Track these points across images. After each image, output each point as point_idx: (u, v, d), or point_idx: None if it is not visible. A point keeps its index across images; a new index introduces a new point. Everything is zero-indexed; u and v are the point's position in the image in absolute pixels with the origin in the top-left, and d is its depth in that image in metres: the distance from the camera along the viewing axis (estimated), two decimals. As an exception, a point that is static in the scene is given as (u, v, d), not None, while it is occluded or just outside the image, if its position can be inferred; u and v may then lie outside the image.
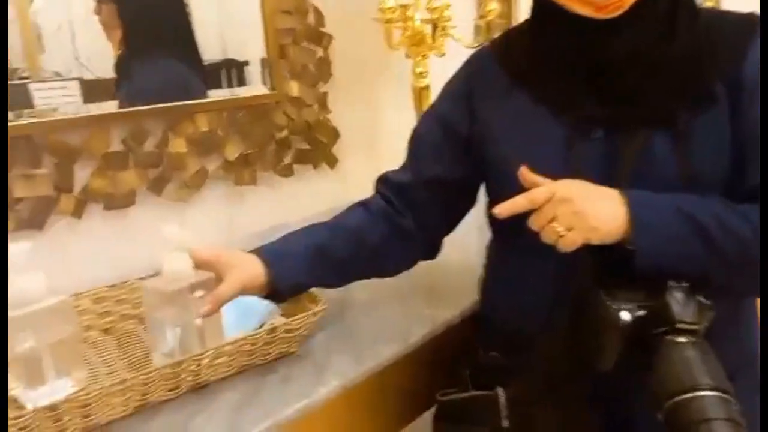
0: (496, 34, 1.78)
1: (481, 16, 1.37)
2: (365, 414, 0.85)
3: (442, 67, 1.43)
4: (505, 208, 0.71)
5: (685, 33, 0.74)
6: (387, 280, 1.06)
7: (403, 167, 0.96)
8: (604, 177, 0.71)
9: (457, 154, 0.87)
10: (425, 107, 1.42)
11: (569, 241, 0.68)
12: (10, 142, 0.95)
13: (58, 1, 1.01)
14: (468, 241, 1.30)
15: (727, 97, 0.71)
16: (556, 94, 0.78)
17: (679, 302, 0.64)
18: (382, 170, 1.59)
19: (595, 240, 0.68)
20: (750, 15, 0.76)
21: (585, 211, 0.67)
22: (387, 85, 1.55)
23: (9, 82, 0.95)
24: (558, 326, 0.73)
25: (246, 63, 1.27)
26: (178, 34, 1.17)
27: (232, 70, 1.26)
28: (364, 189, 1.54)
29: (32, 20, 0.99)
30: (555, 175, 0.71)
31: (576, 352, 0.71)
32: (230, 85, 1.25)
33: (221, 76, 1.24)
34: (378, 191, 0.97)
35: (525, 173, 0.72)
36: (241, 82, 1.26)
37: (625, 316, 0.64)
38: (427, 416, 0.97)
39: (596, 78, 0.75)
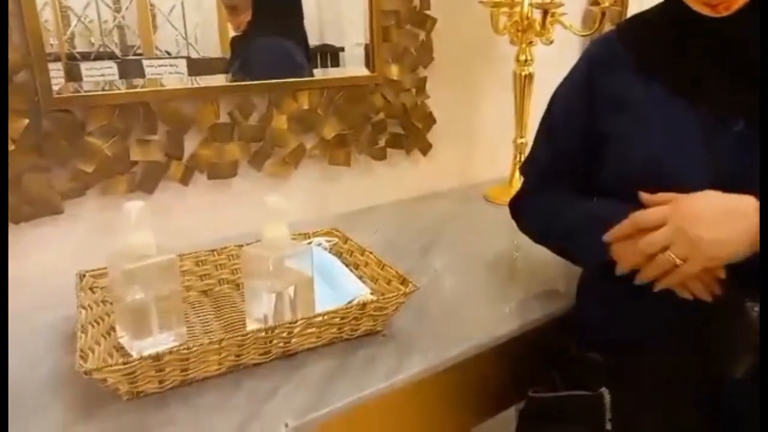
0: (609, 23, 1.69)
1: (595, 3, 1.30)
2: (446, 402, 0.84)
3: (547, 55, 1.38)
4: (611, 236, 0.71)
5: None
6: (479, 269, 1.04)
7: (540, 163, 0.93)
8: (746, 171, 0.68)
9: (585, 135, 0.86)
10: (527, 96, 1.38)
11: (683, 274, 0.64)
12: (129, 108, 1.01)
13: None
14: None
15: None
16: (692, 82, 0.76)
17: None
18: (475, 160, 1.57)
19: (726, 261, 0.64)
20: None
21: (704, 235, 0.62)
22: (488, 72, 1.51)
23: (126, 58, 1.03)
24: (681, 332, 0.69)
25: (341, 49, 1.28)
26: (292, 16, 1.20)
27: (327, 56, 1.27)
28: (453, 178, 1.53)
29: (149, 1, 1.05)
30: (696, 171, 0.71)
31: (706, 358, 0.67)
32: (324, 68, 1.27)
33: (317, 60, 1.26)
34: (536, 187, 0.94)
35: (646, 198, 0.70)
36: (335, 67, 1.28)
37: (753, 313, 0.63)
38: (506, 413, 0.94)
39: (732, 70, 0.73)
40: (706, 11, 0.75)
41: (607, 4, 1.26)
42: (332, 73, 1.26)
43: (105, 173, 1.01)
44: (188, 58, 1.09)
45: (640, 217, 0.68)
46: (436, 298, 0.92)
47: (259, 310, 0.78)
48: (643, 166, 0.75)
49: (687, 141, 0.73)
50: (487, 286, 0.99)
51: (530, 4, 1.26)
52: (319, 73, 1.24)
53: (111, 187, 1.03)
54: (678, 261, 0.64)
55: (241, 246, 0.89)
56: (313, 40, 1.23)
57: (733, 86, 0.73)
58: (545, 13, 1.27)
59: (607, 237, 0.71)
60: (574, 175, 0.87)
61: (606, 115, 0.81)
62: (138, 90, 1.02)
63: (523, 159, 1.37)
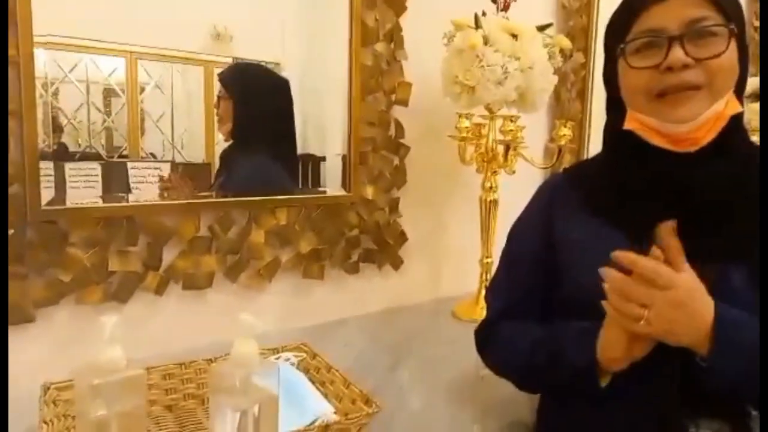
0: (567, 157, 1.84)
1: (553, 140, 1.43)
2: None
3: (511, 183, 1.49)
4: (624, 257, 0.72)
5: (755, 175, 0.78)
6: (444, 389, 1.06)
7: (501, 295, 0.98)
8: None
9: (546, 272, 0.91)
10: (492, 219, 1.47)
11: (644, 331, 0.70)
12: (113, 220, 1.06)
13: (166, 92, 1.15)
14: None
15: None
16: (635, 221, 0.80)
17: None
18: (444, 276, 1.63)
19: (669, 342, 0.70)
20: None
21: (675, 325, 0.69)
22: (457, 196, 1.62)
23: (111, 159, 1.08)
24: None
25: (323, 158, 1.38)
26: (282, 135, 1.29)
27: (309, 164, 1.36)
28: (423, 292, 1.58)
29: (141, 106, 1.12)
30: None
31: None
32: (305, 177, 1.35)
33: (299, 168, 1.35)
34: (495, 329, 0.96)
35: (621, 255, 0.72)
36: (316, 177, 1.36)
37: None
38: None
39: (675, 209, 0.76)
40: (664, 144, 0.78)
41: (563, 142, 1.40)
42: (311, 191, 1.34)
43: (81, 282, 1.04)
44: (173, 162, 1.15)
45: (657, 268, 0.71)
46: (400, 419, 0.94)
47: (223, 428, 0.78)
48: (589, 292, 0.77)
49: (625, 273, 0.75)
50: (450, 409, 1.00)
51: (494, 140, 1.39)
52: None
53: (86, 296, 1.05)
54: (643, 321, 0.70)
55: (210, 361, 0.91)
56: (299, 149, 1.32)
57: (677, 228, 0.75)
58: (507, 147, 1.39)
59: (621, 257, 0.72)
60: (533, 306, 0.91)
61: (559, 248, 0.88)
62: (124, 204, 1.08)
63: (489, 278, 1.45)
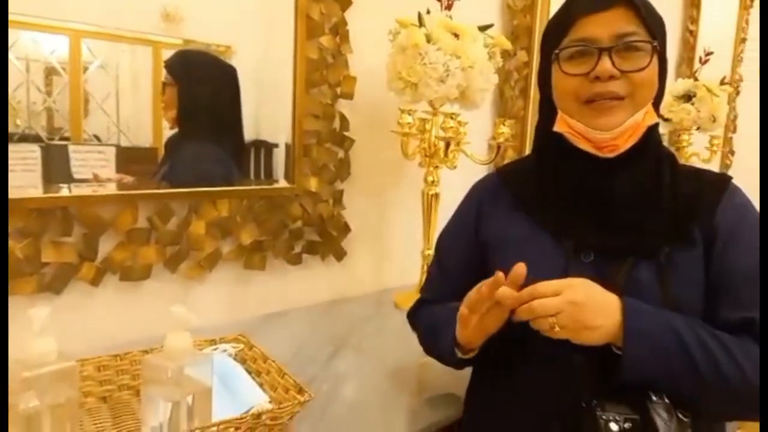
0: (509, 153, 1.89)
1: (494, 138, 1.48)
2: None
3: (452, 177, 1.54)
4: (509, 298, 0.77)
5: (669, 183, 0.86)
6: (380, 376, 1.10)
7: (430, 287, 1.06)
8: None
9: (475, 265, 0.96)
10: (433, 212, 1.52)
11: (559, 335, 0.75)
12: (47, 211, 1.05)
13: (111, 72, 1.12)
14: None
15: (702, 241, 0.82)
16: (557, 220, 0.88)
17: (663, 418, 0.73)
18: (386, 268, 1.67)
19: (584, 342, 0.76)
20: (722, 175, 0.90)
21: (585, 319, 0.75)
22: (400, 189, 1.66)
23: (51, 142, 1.05)
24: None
25: (275, 145, 1.38)
26: (227, 123, 1.29)
27: (261, 150, 1.37)
28: (365, 283, 1.61)
29: (84, 87, 1.09)
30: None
31: None
32: (257, 164, 1.36)
33: (251, 154, 1.35)
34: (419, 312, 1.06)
35: (519, 270, 0.77)
36: (269, 164, 1.37)
37: (614, 427, 0.73)
38: None
39: (594, 209, 0.85)
40: (588, 148, 0.84)
41: (501, 140, 1.45)
42: (258, 183, 1.35)
43: (12, 273, 1.03)
44: (118, 147, 1.12)
45: (541, 286, 0.77)
46: (335, 407, 0.97)
47: (155, 418, 0.80)
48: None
49: (549, 267, 0.84)
50: (384, 394, 1.04)
51: (436, 136, 1.43)
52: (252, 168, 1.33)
53: (17, 288, 1.04)
54: (557, 328, 0.75)
55: (146, 352, 0.92)
56: (249, 134, 1.33)
57: (592, 224, 0.85)
58: (448, 143, 1.43)
59: (503, 298, 0.78)
60: (456, 292, 0.92)
61: (486, 245, 0.95)
62: (60, 195, 1.06)
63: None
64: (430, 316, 1.00)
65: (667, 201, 0.85)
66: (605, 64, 0.82)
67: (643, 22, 0.84)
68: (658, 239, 0.83)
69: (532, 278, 0.77)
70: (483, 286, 0.80)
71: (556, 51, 0.86)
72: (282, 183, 1.39)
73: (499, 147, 1.48)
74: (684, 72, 2.69)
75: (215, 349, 1.01)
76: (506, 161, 1.88)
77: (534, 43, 1.97)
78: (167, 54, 1.19)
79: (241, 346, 1.03)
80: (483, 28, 1.45)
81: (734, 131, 3.26)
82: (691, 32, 2.73)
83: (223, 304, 1.32)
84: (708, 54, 2.46)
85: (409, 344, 1.26)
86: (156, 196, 1.18)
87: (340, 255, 1.53)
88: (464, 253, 0.98)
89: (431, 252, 1.51)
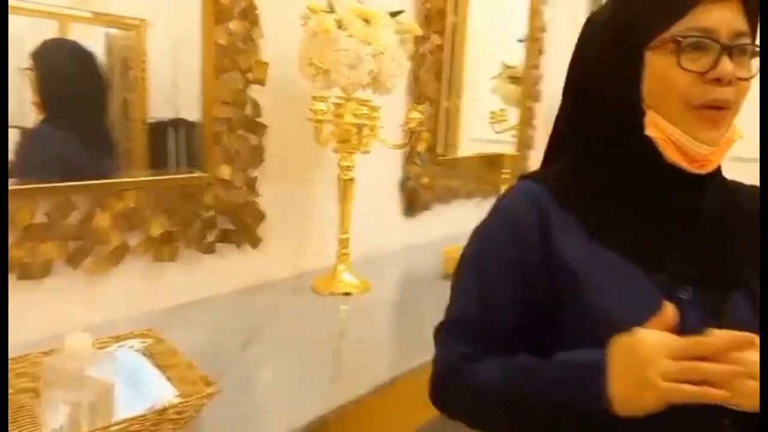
0: (425, 135, 1.93)
1: (406, 123, 1.51)
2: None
3: (367, 162, 1.56)
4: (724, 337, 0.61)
5: (741, 201, 0.80)
6: (292, 361, 1.12)
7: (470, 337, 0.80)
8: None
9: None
10: (348, 197, 1.54)
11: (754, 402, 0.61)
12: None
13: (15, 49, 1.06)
14: (378, 320, 1.39)
15: None
16: (647, 251, 0.74)
17: None
18: (303, 253, 1.68)
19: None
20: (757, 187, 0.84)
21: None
22: (315, 173, 1.67)
23: None
24: None
25: (194, 125, 1.36)
26: (90, 112, 1.22)
27: (180, 129, 1.34)
28: (282, 269, 1.62)
29: None
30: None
31: None
32: (178, 146, 1.33)
33: (168, 134, 1.32)
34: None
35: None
36: (189, 142, 1.35)
37: None
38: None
39: (681, 234, 0.74)
40: (680, 161, 0.72)
41: (412, 124, 1.48)
42: (166, 172, 1.32)
43: None
44: None
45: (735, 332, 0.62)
46: (246, 395, 0.99)
47: (56, 420, 0.79)
48: (605, 330, 0.67)
49: (646, 307, 0.68)
50: (298, 379, 1.07)
51: (349, 122, 1.44)
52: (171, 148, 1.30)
53: None
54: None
55: (45, 354, 0.90)
56: (169, 113, 1.30)
57: (685, 252, 0.73)
58: (360, 127, 1.45)
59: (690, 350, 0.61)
60: (507, 341, 0.77)
61: (559, 279, 0.75)
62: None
63: (345, 252, 1.52)
64: (505, 376, 0.74)
65: (746, 221, 0.77)
66: (728, 66, 0.69)
67: (751, 24, 0.73)
68: (746, 264, 0.74)
69: (629, 324, 0.65)
70: (721, 338, 0.61)
71: (679, 37, 0.69)
72: (194, 172, 1.36)
73: (412, 133, 1.51)
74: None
75: (122, 346, 0.99)
76: (422, 144, 1.97)
77: (447, 27, 2.01)
78: (78, 29, 1.14)
79: (150, 340, 1.02)
80: (394, 14, 1.47)
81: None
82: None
83: (133, 298, 1.29)
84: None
85: (323, 327, 1.30)
86: (55, 189, 1.13)
87: (255, 242, 1.52)
88: (521, 291, 0.77)
89: (347, 236, 1.54)
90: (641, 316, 0.67)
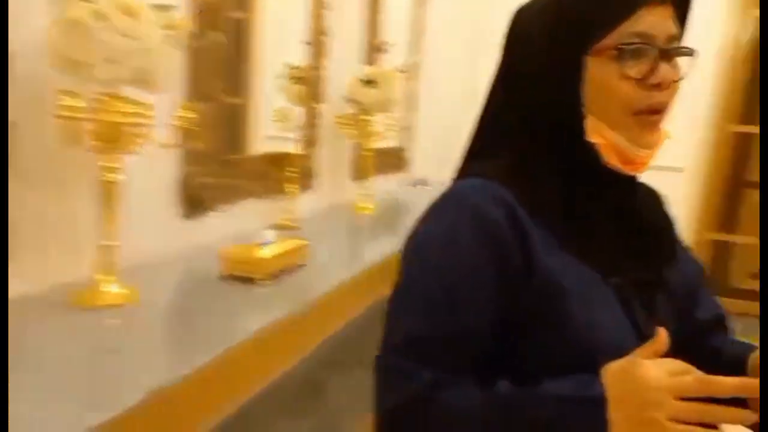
0: (195, 136, 1.89)
1: (174, 122, 1.46)
2: None
3: (140, 164, 1.47)
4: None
5: (650, 198, 0.90)
6: (50, 383, 1.01)
7: (433, 358, 0.71)
8: (649, 332, 0.71)
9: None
10: (113, 202, 1.43)
11: None
12: None
13: None
14: (148, 330, 1.32)
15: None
16: (602, 256, 0.75)
17: None
18: (63, 265, 1.52)
19: None
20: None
21: None
22: (76, 178, 1.52)
23: None
24: None
25: None
26: None
27: None
28: (40, 284, 1.45)
29: None
30: (627, 339, 0.71)
31: None
32: None
33: None
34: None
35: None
36: None
37: None
38: None
39: (625, 237, 0.77)
40: (619, 166, 0.74)
41: (184, 123, 1.44)
42: None
43: None
44: None
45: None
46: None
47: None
48: (585, 342, 0.69)
49: (611, 311, 0.72)
50: (55, 402, 0.98)
51: (111, 120, 1.34)
52: None
53: None
54: None
55: None
56: None
57: (629, 254, 0.77)
58: (127, 127, 1.36)
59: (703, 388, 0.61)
60: (480, 361, 0.72)
61: (541, 289, 0.72)
62: None
63: (110, 261, 1.40)
64: (484, 402, 0.68)
65: (660, 217, 0.85)
66: (667, 70, 0.72)
67: (682, 25, 0.75)
68: (667, 264, 0.81)
69: (606, 334, 0.70)
70: (732, 383, 0.61)
71: (621, 45, 0.70)
72: None
73: (186, 130, 1.46)
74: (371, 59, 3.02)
75: None
76: (198, 143, 1.91)
77: (230, 23, 1.98)
78: None
79: None
80: (160, 8, 1.40)
81: (414, 109, 3.80)
82: (374, 23, 3.07)
83: None
84: (385, 44, 2.82)
85: (85, 344, 1.20)
86: None
87: (0, 255, 1.34)
88: (497, 304, 0.72)
89: (114, 244, 1.43)
90: (614, 325, 0.71)
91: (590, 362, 0.68)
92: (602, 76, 0.73)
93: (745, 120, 4.44)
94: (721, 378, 0.61)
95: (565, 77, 0.74)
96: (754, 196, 4.55)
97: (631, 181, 0.79)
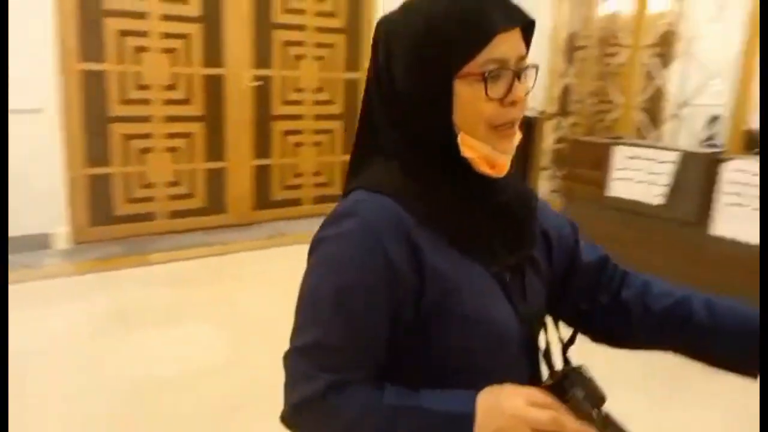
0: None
1: None
2: None
3: None
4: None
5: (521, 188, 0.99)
6: None
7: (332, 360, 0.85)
8: (539, 312, 0.96)
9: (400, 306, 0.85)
10: None
11: None
12: None
13: None
14: None
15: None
16: (481, 248, 0.88)
17: None
18: None
19: None
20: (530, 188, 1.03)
21: None
22: None
23: None
24: None
25: None
26: None
27: None
28: None
29: None
30: (511, 323, 0.89)
31: None
32: None
33: None
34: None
35: None
36: None
37: None
38: None
39: (497, 228, 0.89)
40: (485, 170, 0.86)
41: None
42: None
43: None
44: None
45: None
46: None
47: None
48: (476, 331, 0.84)
49: (495, 297, 0.87)
50: None
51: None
52: None
53: None
54: None
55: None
56: None
57: (503, 242, 0.90)
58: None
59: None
60: (378, 359, 0.84)
61: (436, 290, 0.84)
62: None
63: None
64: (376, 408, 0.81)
65: (526, 203, 0.95)
66: (521, 89, 0.84)
67: (527, 44, 0.86)
68: (534, 245, 0.96)
69: (494, 321, 0.86)
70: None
71: (484, 71, 0.81)
72: None
73: None
74: None
75: None
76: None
77: None
78: None
79: None
80: None
81: None
82: None
83: None
84: None
85: None
86: None
87: None
88: (390, 308, 0.83)
89: None
90: (500, 310, 0.85)
91: (482, 354, 0.87)
92: (468, 99, 0.84)
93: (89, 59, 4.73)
94: (570, 420, 0.77)
95: (437, 101, 0.84)
96: (117, 129, 5.01)
97: (500, 181, 0.90)
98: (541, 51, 6.18)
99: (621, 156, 4.21)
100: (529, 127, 6.47)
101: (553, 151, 6.61)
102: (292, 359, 0.88)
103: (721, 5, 5.93)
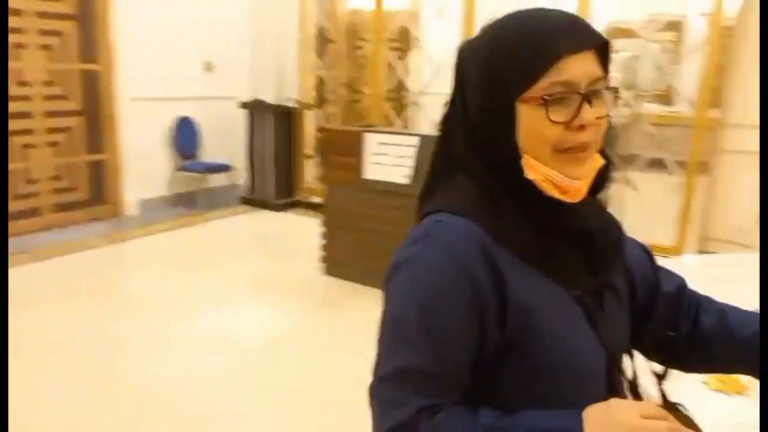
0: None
1: None
2: None
3: None
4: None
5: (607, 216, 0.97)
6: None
7: (422, 387, 0.82)
8: (623, 342, 0.96)
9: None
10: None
11: None
12: None
13: None
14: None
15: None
16: (562, 270, 0.86)
17: None
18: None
19: None
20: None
21: None
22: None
23: None
24: None
25: None
26: None
27: None
28: None
29: None
30: (594, 351, 0.87)
31: None
32: None
33: None
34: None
35: None
36: None
37: None
38: None
39: (586, 253, 0.88)
40: (554, 194, 0.83)
41: None
42: None
43: None
44: None
45: None
46: None
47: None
48: (558, 347, 0.83)
49: (576, 322, 0.86)
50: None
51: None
52: None
53: None
54: None
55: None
56: None
57: (585, 267, 0.88)
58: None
59: None
60: (463, 384, 0.83)
61: (521, 313, 0.82)
62: None
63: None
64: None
65: (612, 232, 0.94)
66: (589, 113, 0.81)
67: (604, 66, 0.83)
68: (614, 272, 0.93)
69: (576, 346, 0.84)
70: None
71: (546, 96, 0.80)
72: None
73: None
74: None
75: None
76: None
77: None
78: None
79: None
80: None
81: None
82: None
83: None
84: None
85: None
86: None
87: None
88: (475, 330, 0.82)
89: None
90: (581, 337, 0.84)
91: (565, 378, 0.84)
92: (531, 122, 0.81)
93: None
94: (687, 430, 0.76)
95: (502, 123, 0.83)
96: None
97: (575, 206, 0.86)
98: (290, 45, 6.35)
99: (372, 142, 4.59)
100: (289, 117, 6.64)
101: (315, 139, 6.87)
102: (378, 389, 0.85)
103: (441, 5, 6.80)
